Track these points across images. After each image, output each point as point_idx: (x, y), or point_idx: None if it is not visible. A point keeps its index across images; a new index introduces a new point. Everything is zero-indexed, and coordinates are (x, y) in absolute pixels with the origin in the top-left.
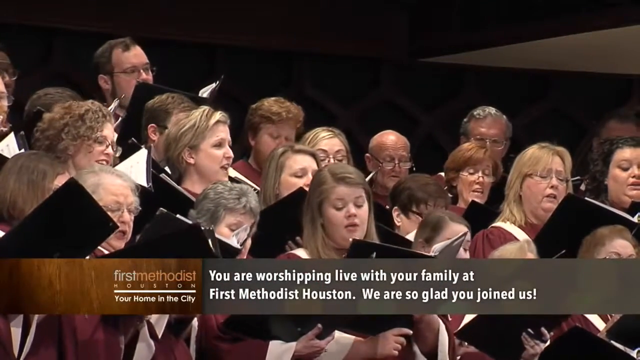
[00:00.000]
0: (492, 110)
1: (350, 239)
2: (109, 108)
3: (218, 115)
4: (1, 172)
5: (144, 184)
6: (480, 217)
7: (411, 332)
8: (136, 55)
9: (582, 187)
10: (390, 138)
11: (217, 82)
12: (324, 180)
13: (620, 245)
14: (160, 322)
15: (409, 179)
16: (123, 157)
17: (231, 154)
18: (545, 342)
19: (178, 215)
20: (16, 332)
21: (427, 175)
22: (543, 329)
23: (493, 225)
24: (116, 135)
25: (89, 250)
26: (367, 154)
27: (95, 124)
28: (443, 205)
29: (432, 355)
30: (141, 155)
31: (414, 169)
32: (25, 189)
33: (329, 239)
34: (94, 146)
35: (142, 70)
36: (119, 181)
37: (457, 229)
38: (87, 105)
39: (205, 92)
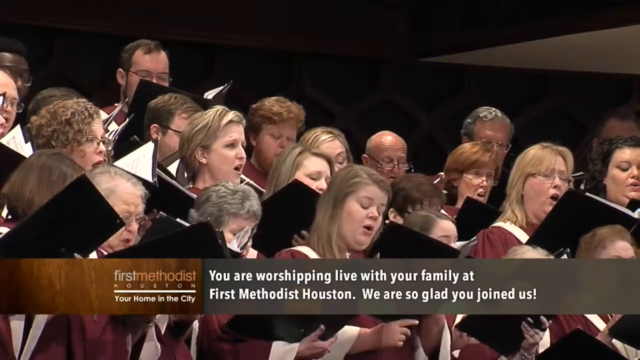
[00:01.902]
0: (498, 112)
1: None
2: (116, 110)
3: (231, 115)
4: (21, 169)
5: (149, 178)
6: (476, 214)
7: (417, 322)
8: (155, 60)
9: (582, 187)
10: (388, 139)
11: (226, 86)
12: (358, 174)
13: (622, 248)
14: (160, 323)
15: (404, 179)
16: (122, 155)
17: (244, 154)
18: (544, 330)
19: (178, 219)
20: (18, 331)
21: (422, 174)
22: (542, 317)
23: (494, 225)
24: (117, 132)
25: (94, 247)
26: (365, 155)
27: (83, 125)
28: (438, 205)
29: (434, 350)
30: (147, 149)
31: (412, 170)
32: (44, 190)
33: (340, 232)
34: (86, 147)
35: (155, 77)
36: (132, 189)
37: (446, 225)
38: (73, 107)
39: (210, 94)
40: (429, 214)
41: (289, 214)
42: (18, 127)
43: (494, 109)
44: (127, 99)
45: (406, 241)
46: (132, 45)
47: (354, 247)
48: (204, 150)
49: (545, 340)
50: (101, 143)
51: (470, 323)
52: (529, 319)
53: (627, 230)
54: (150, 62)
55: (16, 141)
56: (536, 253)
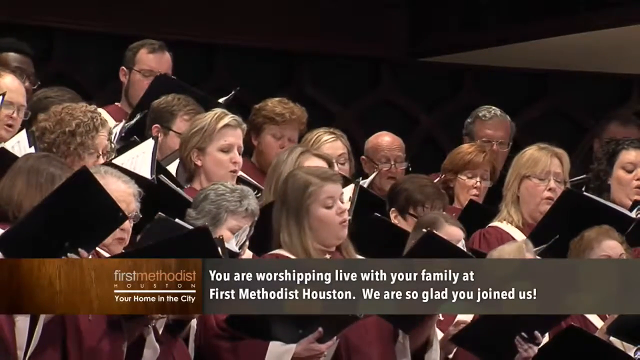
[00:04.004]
0: (497, 111)
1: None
2: (118, 126)
3: (227, 119)
4: (10, 171)
5: (148, 175)
6: (477, 216)
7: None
8: (158, 60)
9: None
10: (385, 139)
11: (233, 93)
12: (309, 181)
13: (609, 247)
14: (159, 322)
15: (407, 180)
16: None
17: (239, 159)
18: (538, 345)
19: (177, 220)
20: (22, 332)
21: (425, 175)
22: (536, 332)
23: (490, 225)
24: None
25: (98, 241)
26: (363, 156)
27: (87, 139)
28: (440, 207)
29: (419, 350)
30: (147, 146)
31: (410, 169)
32: (33, 192)
33: (317, 240)
34: (87, 160)
35: None
36: (123, 187)
37: (452, 231)
38: (79, 118)
39: (222, 101)
40: (438, 217)
41: None
42: (23, 131)
43: (494, 107)
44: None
45: (441, 252)
46: (137, 44)
47: (336, 244)
48: (199, 152)
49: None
50: (101, 156)
51: (465, 336)
52: (523, 333)
53: (614, 229)
54: (154, 61)
55: (20, 145)
56: (511, 247)
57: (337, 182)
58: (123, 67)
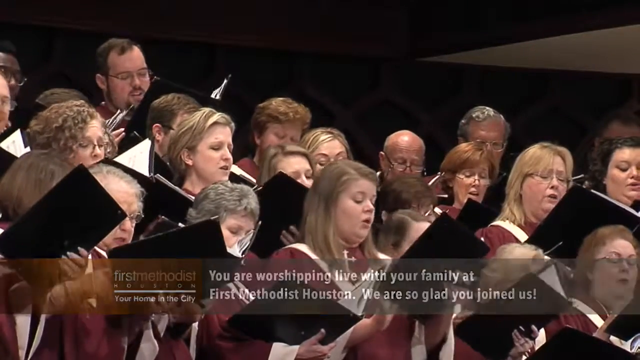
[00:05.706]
0: (491, 111)
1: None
2: (117, 116)
3: (216, 116)
4: (10, 169)
5: (146, 173)
6: (476, 215)
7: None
8: (131, 59)
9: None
10: (404, 139)
11: (225, 82)
12: (346, 171)
13: (621, 245)
14: (161, 323)
15: (396, 180)
16: (124, 150)
17: (229, 156)
18: (534, 339)
19: (180, 224)
20: (24, 332)
21: (415, 175)
22: (533, 327)
23: (492, 224)
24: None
25: (97, 240)
26: (382, 152)
27: (75, 132)
28: (429, 205)
29: (435, 347)
30: (145, 145)
31: (425, 173)
32: (32, 188)
33: (338, 231)
34: (80, 152)
35: (136, 75)
36: (125, 187)
37: (423, 226)
38: (65, 113)
39: (216, 94)
40: (404, 216)
41: (276, 209)
42: (18, 131)
43: (487, 108)
44: (132, 106)
45: (454, 237)
46: (105, 48)
47: (355, 241)
48: (189, 151)
49: (542, 339)
50: (96, 147)
51: (467, 329)
52: (520, 327)
53: (629, 230)
54: (128, 61)
55: (16, 145)
56: (524, 249)
57: (373, 180)
58: (99, 75)
